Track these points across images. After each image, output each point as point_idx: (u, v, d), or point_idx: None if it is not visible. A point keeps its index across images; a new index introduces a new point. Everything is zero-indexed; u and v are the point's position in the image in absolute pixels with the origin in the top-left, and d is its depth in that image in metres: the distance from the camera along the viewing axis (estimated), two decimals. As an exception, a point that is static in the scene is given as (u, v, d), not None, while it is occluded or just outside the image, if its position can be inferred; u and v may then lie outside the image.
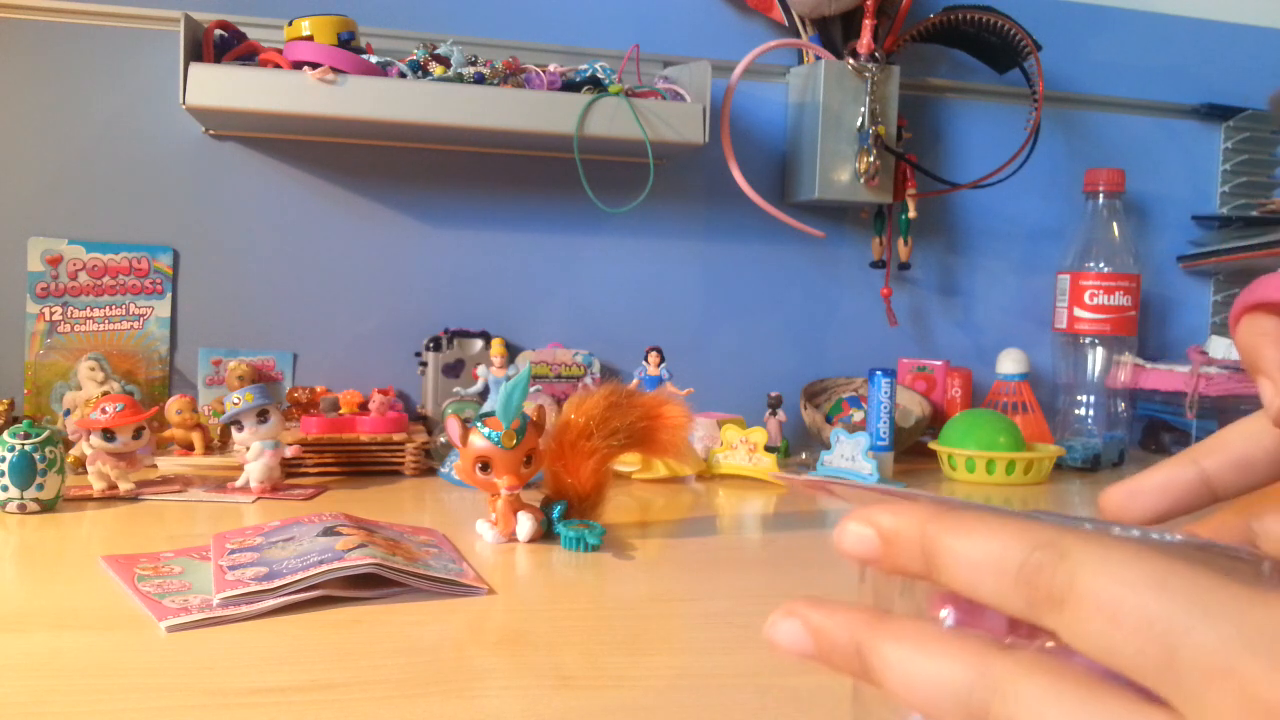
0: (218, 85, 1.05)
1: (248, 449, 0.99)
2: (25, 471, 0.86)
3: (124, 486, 0.95)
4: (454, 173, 1.29)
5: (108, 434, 0.94)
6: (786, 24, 1.36)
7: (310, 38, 1.09)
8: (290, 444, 1.01)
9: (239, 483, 1.00)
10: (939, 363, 1.39)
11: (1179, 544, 0.25)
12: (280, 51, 1.10)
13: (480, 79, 1.14)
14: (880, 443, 1.18)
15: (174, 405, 1.09)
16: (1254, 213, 1.51)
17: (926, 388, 1.38)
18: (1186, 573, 0.20)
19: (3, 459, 0.86)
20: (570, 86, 1.18)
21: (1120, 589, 0.21)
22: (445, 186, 1.29)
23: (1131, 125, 1.54)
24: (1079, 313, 1.42)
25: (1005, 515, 0.24)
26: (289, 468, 1.04)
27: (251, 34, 1.15)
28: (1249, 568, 0.24)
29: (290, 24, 1.10)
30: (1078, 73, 1.51)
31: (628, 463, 1.11)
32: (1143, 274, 1.44)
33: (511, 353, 1.25)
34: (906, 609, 0.27)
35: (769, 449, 1.16)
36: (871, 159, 1.30)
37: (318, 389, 1.20)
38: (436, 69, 1.13)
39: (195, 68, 1.04)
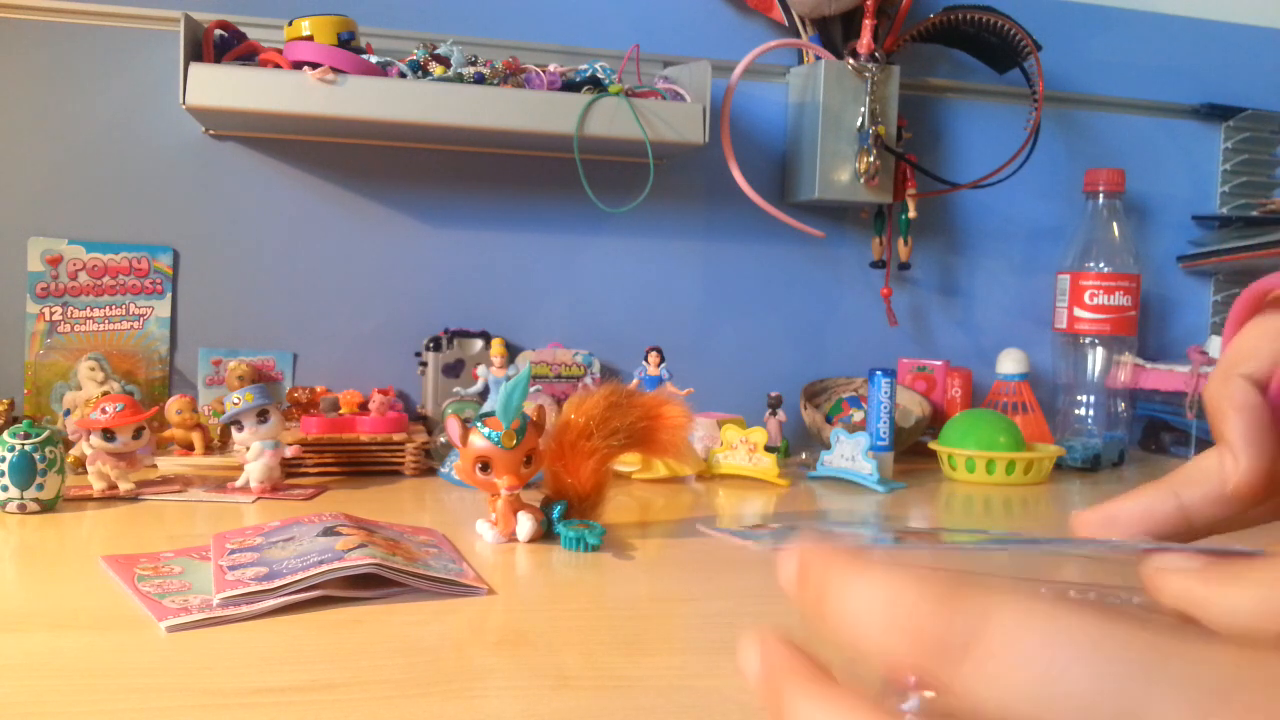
0: (218, 85, 1.05)
1: (248, 449, 0.99)
2: (25, 471, 0.86)
3: (124, 486, 0.95)
4: (454, 173, 1.29)
5: (108, 434, 0.94)
6: (786, 24, 1.36)
7: (310, 38, 1.09)
8: (290, 444, 1.01)
9: (239, 483, 1.00)
10: (939, 363, 1.39)
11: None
12: (280, 51, 1.10)
13: (480, 79, 1.14)
14: (880, 443, 1.18)
15: (174, 405, 1.09)
16: (1254, 213, 1.51)
17: (926, 388, 1.38)
18: (1124, 635, 0.18)
19: (3, 459, 0.86)
20: (570, 86, 1.18)
21: (1052, 649, 0.18)
22: (445, 186, 1.29)
23: (1131, 125, 1.54)
24: (1079, 313, 1.42)
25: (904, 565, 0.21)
26: (289, 468, 1.04)
27: (251, 34, 1.15)
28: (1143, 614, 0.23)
29: (290, 24, 1.10)
30: (1078, 73, 1.51)
31: (628, 463, 1.11)
32: (1143, 274, 1.44)
33: (511, 353, 1.25)
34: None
35: (769, 449, 1.16)
36: (871, 159, 1.30)
37: (318, 389, 1.20)
38: (436, 69, 1.13)
39: (195, 68, 1.04)
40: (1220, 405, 0.31)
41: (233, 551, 0.73)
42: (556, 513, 0.84)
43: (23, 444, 0.86)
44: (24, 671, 0.53)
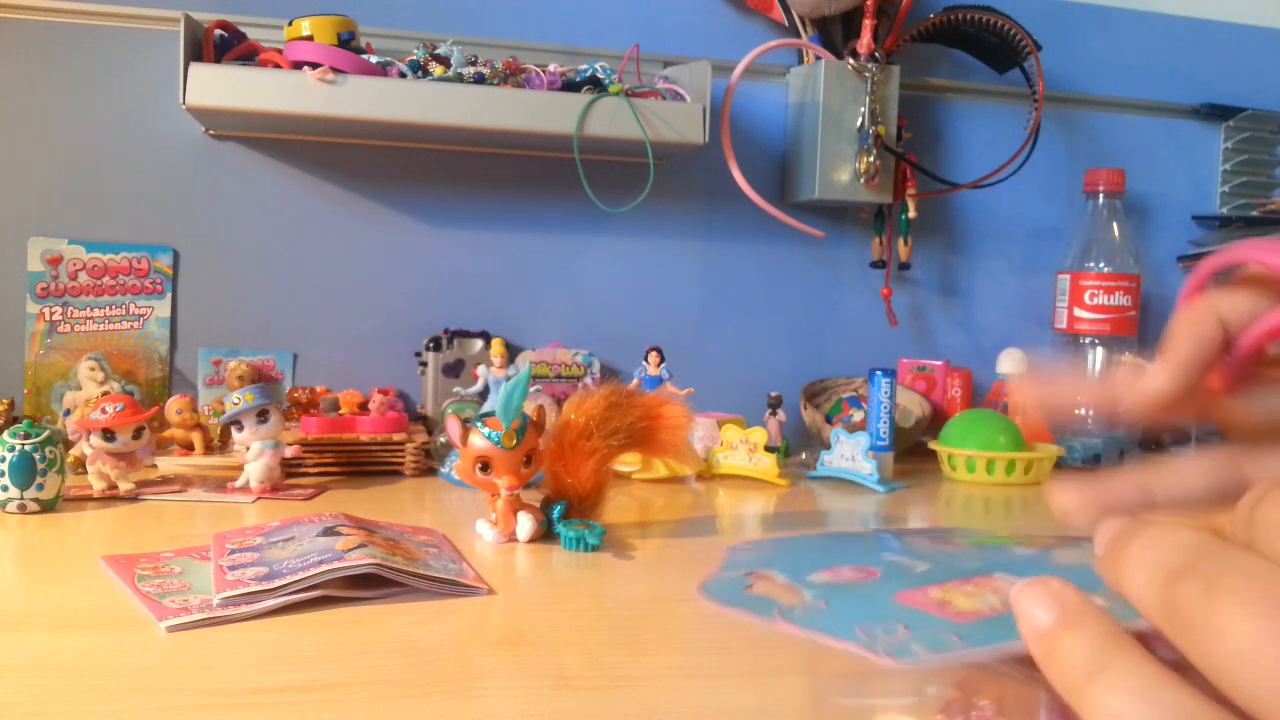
0: (218, 85, 1.05)
1: (248, 449, 0.99)
2: (25, 471, 0.86)
3: (124, 486, 0.95)
4: (454, 173, 1.29)
5: (108, 434, 0.94)
6: (786, 24, 1.36)
7: (310, 38, 1.09)
8: (290, 444, 1.01)
9: (239, 483, 1.00)
10: (939, 363, 1.39)
11: None
12: (280, 51, 1.10)
13: (480, 79, 1.14)
14: (880, 443, 1.18)
15: (174, 405, 1.09)
16: (1254, 213, 1.51)
17: (926, 388, 1.38)
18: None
19: (3, 459, 0.86)
20: (570, 86, 1.18)
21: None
22: (445, 186, 1.29)
23: (1131, 125, 1.54)
24: (1079, 313, 1.42)
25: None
26: (289, 468, 1.04)
27: (251, 34, 1.15)
28: None
29: (290, 24, 1.10)
30: (1078, 73, 1.51)
31: (628, 463, 1.11)
32: (1143, 274, 1.44)
33: (511, 353, 1.25)
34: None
35: (769, 449, 1.16)
36: (871, 159, 1.30)
37: (318, 389, 1.20)
38: (436, 69, 1.13)
39: (195, 68, 1.04)
40: (1180, 329, 0.32)
41: (233, 551, 0.73)
42: (556, 513, 0.84)
43: (23, 444, 0.86)
44: (24, 671, 0.53)
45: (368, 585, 0.67)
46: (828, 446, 1.18)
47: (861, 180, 1.30)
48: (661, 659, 0.58)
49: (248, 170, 1.23)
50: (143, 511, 0.91)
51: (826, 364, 1.42)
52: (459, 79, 1.13)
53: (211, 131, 1.21)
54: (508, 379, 0.91)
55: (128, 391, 1.16)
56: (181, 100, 1.05)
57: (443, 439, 1.12)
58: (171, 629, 0.59)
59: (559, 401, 1.17)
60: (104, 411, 0.94)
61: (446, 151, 1.28)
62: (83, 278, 1.18)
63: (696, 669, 0.56)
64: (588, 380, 1.27)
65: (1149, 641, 0.23)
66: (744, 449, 1.15)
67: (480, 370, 1.20)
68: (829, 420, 1.31)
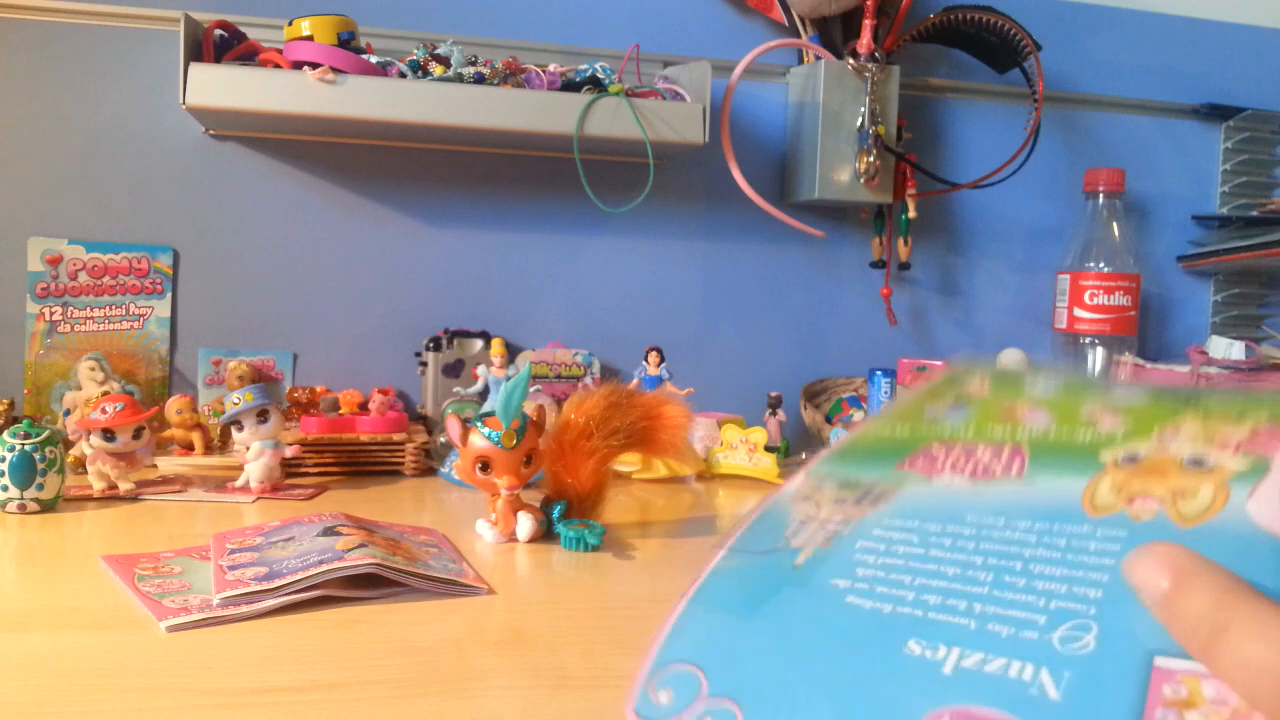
0: (218, 85, 1.05)
1: (248, 449, 0.99)
2: (25, 471, 0.86)
3: (124, 486, 0.95)
4: (454, 173, 1.29)
5: (108, 434, 0.94)
6: (786, 24, 1.36)
7: (310, 38, 1.09)
8: (290, 444, 1.01)
9: (239, 483, 1.00)
10: (939, 363, 1.39)
11: None
12: (280, 51, 1.10)
13: (480, 79, 1.14)
14: (880, 443, 1.18)
15: (174, 405, 1.09)
16: (1254, 213, 1.51)
17: (926, 388, 1.38)
18: None
19: (3, 459, 0.86)
20: (570, 86, 1.18)
21: None
22: (445, 186, 1.29)
23: (1131, 125, 1.54)
24: (1079, 313, 1.42)
25: None
26: (289, 468, 1.04)
27: (251, 34, 1.15)
28: None
29: (290, 24, 1.10)
30: (1078, 73, 1.51)
31: (628, 463, 1.11)
32: (1143, 274, 1.44)
33: (511, 353, 1.25)
34: None
35: (769, 449, 1.16)
36: (871, 159, 1.30)
37: (318, 389, 1.20)
38: (436, 69, 1.13)
39: (195, 68, 1.04)
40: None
41: (233, 551, 0.73)
42: (556, 513, 0.84)
43: (23, 444, 0.86)
44: (24, 671, 0.53)
45: (368, 585, 0.67)
46: (828, 446, 1.18)
47: (861, 180, 1.30)
48: (661, 659, 0.58)
49: (248, 170, 1.23)
50: (143, 511, 0.91)
51: (826, 364, 1.42)
52: (459, 79, 1.13)
53: (211, 131, 1.21)
54: (508, 379, 0.91)
55: (128, 391, 1.16)
56: (181, 100, 1.05)
57: (443, 439, 1.12)
58: (171, 629, 0.59)
59: (559, 401, 1.17)
60: (104, 411, 0.94)
61: (446, 151, 1.28)
62: (83, 278, 1.18)
63: (696, 669, 0.56)
64: (588, 380, 1.27)
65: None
66: (744, 449, 1.15)
67: (480, 370, 1.20)
68: (829, 420, 1.31)
